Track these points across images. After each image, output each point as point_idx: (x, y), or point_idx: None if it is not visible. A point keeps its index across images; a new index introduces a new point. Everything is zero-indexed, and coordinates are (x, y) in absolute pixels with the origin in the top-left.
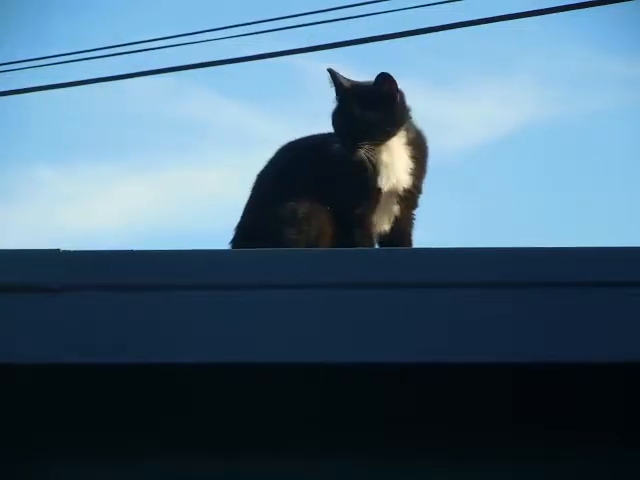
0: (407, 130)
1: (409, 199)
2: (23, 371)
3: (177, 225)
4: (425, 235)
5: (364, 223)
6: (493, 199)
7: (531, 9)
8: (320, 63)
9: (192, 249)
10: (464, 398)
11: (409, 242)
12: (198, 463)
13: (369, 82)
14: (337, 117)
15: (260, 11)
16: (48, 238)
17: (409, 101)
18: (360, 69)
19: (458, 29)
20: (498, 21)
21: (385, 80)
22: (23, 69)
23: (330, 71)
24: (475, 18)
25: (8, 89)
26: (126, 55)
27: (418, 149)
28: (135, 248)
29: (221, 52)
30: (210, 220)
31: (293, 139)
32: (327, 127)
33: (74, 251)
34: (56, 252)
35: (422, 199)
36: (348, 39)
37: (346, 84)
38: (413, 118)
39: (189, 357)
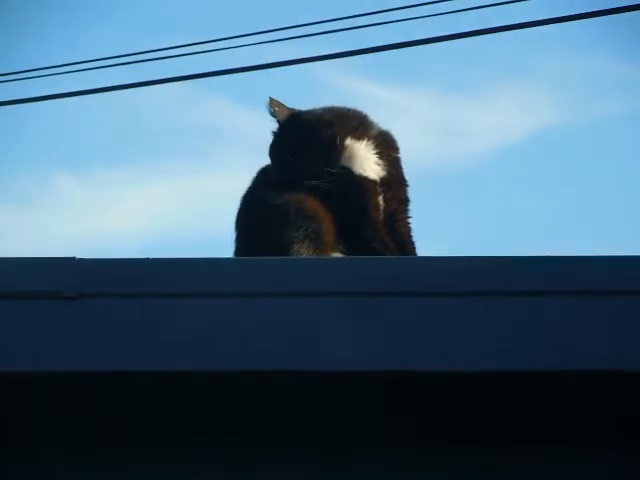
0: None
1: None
2: (38, 379)
3: (193, 231)
4: (440, 241)
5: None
6: (508, 205)
7: (548, 17)
8: (337, 70)
9: (207, 257)
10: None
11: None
12: (208, 473)
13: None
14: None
15: (273, 19)
16: (64, 245)
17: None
18: (377, 77)
19: (475, 37)
20: (514, 29)
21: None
22: (41, 77)
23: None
24: (491, 26)
25: (26, 97)
26: (143, 63)
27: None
28: (151, 255)
29: (236, 60)
30: (226, 225)
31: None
32: None
33: (89, 259)
34: (71, 260)
35: (437, 205)
36: (365, 47)
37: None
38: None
39: (203, 365)
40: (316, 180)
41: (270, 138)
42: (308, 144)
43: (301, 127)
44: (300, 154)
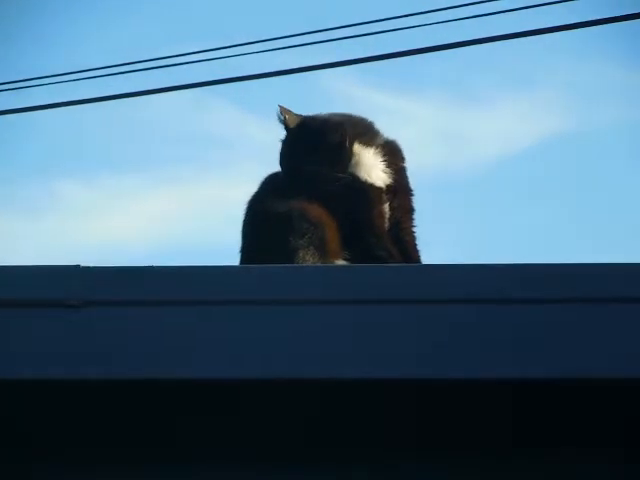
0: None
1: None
2: (42, 387)
3: (198, 238)
4: (441, 250)
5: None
6: (509, 214)
7: (554, 25)
8: (342, 78)
9: (211, 265)
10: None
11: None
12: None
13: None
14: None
15: (279, 26)
16: (68, 253)
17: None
18: (381, 84)
19: (479, 45)
20: (519, 37)
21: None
22: (47, 85)
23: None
24: (496, 34)
25: (32, 105)
26: (152, 70)
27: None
28: (156, 263)
29: (245, 67)
30: (232, 233)
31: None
32: None
33: (94, 267)
34: (76, 268)
35: (438, 214)
36: (371, 55)
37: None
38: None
39: (207, 372)
40: (325, 185)
41: (279, 146)
42: (317, 148)
43: (310, 132)
44: (309, 159)
